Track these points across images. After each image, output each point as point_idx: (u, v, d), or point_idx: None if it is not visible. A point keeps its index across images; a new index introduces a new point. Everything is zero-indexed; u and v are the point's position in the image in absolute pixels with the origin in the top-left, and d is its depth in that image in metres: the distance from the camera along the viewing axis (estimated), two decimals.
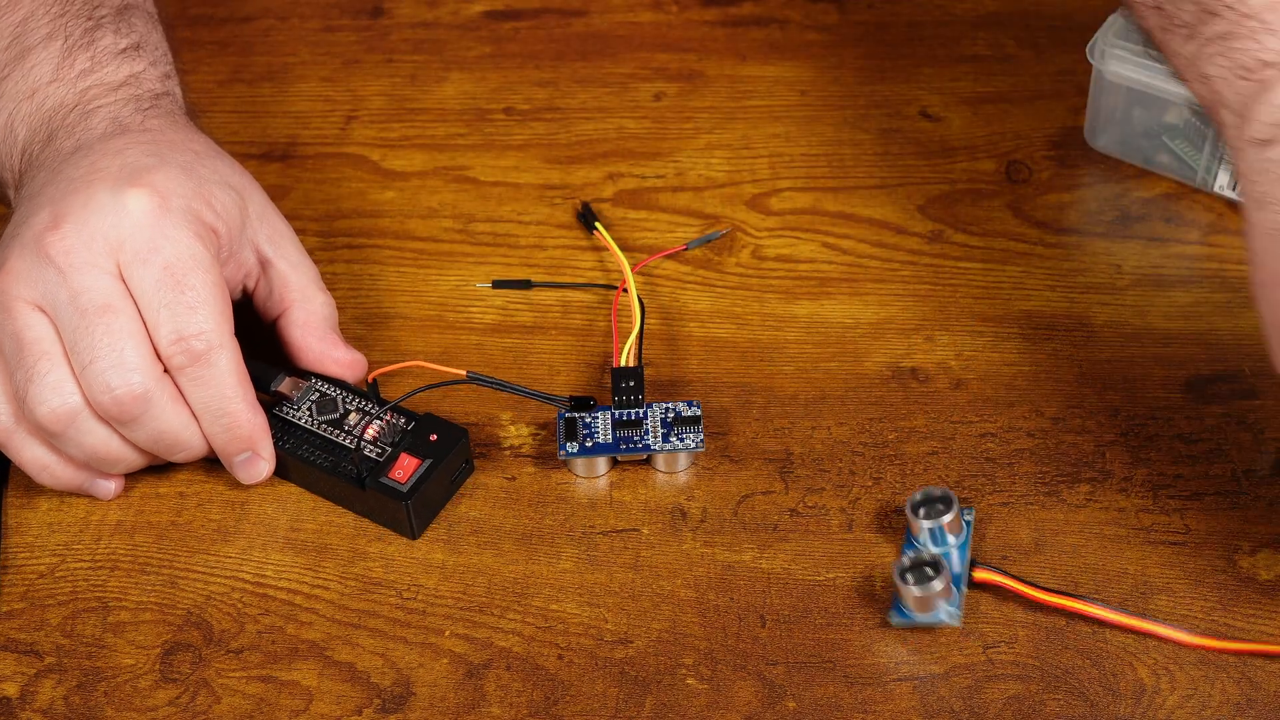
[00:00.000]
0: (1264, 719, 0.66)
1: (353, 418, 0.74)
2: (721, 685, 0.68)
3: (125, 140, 0.73)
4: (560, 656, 0.69)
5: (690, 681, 0.68)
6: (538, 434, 0.77)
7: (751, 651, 0.69)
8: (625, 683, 0.68)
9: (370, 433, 0.74)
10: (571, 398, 0.76)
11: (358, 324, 0.82)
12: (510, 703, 0.68)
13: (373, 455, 0.73)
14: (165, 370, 0.70)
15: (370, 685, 0.69)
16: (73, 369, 0.70)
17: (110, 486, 0.75)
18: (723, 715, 0.67)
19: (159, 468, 0.76)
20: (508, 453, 0.76)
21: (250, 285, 0.76)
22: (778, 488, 0.75)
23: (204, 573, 0.73)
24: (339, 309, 0.78)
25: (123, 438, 0.72)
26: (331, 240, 0.86)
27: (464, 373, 0.76)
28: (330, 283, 0.82)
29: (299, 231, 0.78)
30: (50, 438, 0.71)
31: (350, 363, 0.77)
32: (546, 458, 0.76)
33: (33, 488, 0.76)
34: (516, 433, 0.77)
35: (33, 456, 0.73)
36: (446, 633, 0.70)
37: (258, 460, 0.74)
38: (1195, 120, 0.84)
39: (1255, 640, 0.68)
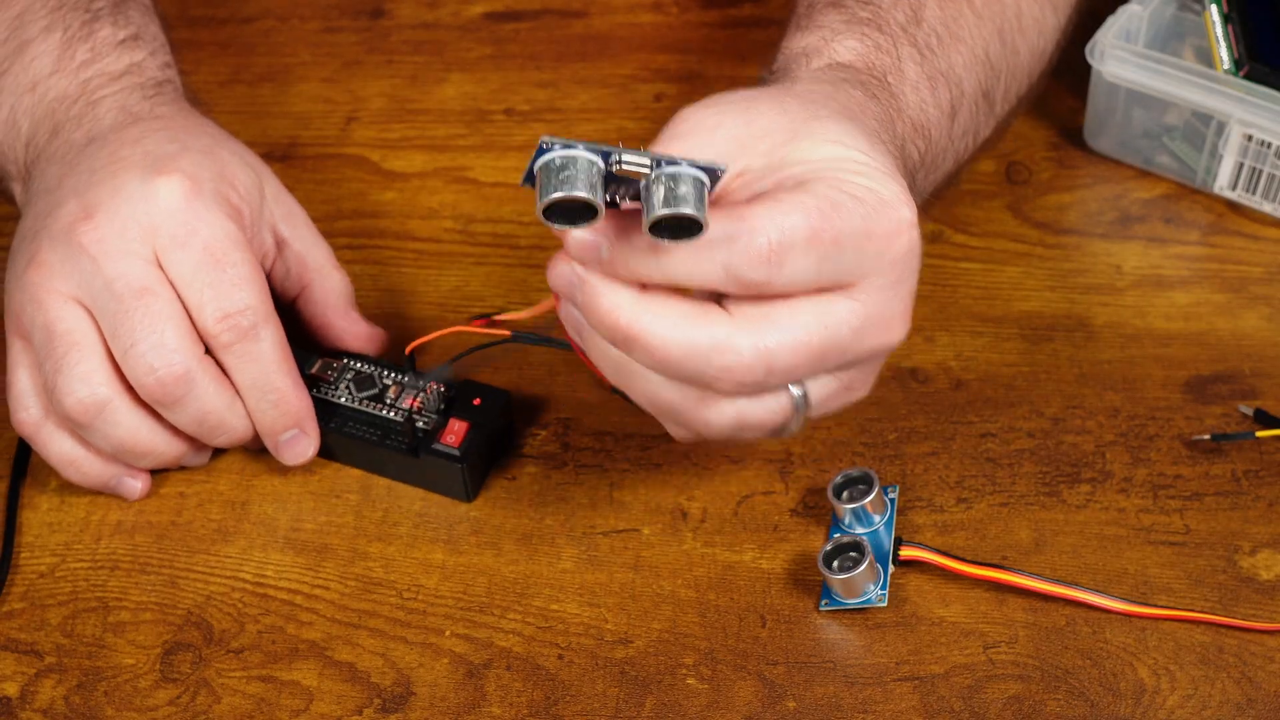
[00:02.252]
0: (1264, 719, 0.66)
1: (393, 391, 0.75)
2: (721, 685, 0.68)
3: (141, 129, 0.73)
4: (560, 656, 0.69)
5: (690, 681, 0.68)
6: (538, 434, 0.77)
7: (751, 651, 0.69)
8: (625, 683, 0.68)
9: (413, 404, 0.74)
10: None
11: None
12: (510, 703, 0.68)
13: (420, 424, 0.74)
14: (206, 351, 0.71)
15: (370, 685, 0.69)
16: (109, 358, 0.70)
17: (137, 485, 0.74)
18: (723, 715, 0.67)
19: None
20: (508, 452, 0.76)
21: (268, 266, 0.76)
22: (778, 488, 0.75)
23: (204, 573, 0.73)
24: None
25: (155, 426, 0.72)
26: (332, 240, 0.85)
27: (509, 332, 0.76)
28: None
29: None
30: (79, 430, 0.71)
31: (371, 336, 0.77)
32: (548, 457, 0.76)
33: (33, 487, 0.76)
34: (518, 432, 0.77)
35: (59, 451, 0.73)
36: (447, 633, 0.70)
37: (303, 438, 0.73)
38: (1195, 121, 0.84)
39: (1183, 609, 0.69)
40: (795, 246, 0.60)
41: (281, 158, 0.90)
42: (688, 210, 0.57)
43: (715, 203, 0.61)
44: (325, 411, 0.75)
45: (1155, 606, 0.69)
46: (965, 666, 0.68)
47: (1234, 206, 0.85)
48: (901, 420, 0.77)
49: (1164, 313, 0.81)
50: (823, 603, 0.70)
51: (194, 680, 0.69)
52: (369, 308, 0.82)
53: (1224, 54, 0.83)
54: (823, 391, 0.65)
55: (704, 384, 0.62)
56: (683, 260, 0.60)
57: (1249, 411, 0.76)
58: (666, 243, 0.59)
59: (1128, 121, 0.86)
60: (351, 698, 0.68)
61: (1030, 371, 0.79)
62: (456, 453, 0.73)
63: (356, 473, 0.76)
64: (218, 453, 0.76)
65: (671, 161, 0.58)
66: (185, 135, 0.74)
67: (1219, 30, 0.83)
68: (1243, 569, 0.71)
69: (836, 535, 0.71)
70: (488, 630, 0.70)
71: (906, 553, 0.70)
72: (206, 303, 0.70)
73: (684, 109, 0.65)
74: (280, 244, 0.76)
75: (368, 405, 0.75)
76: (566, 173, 0.57)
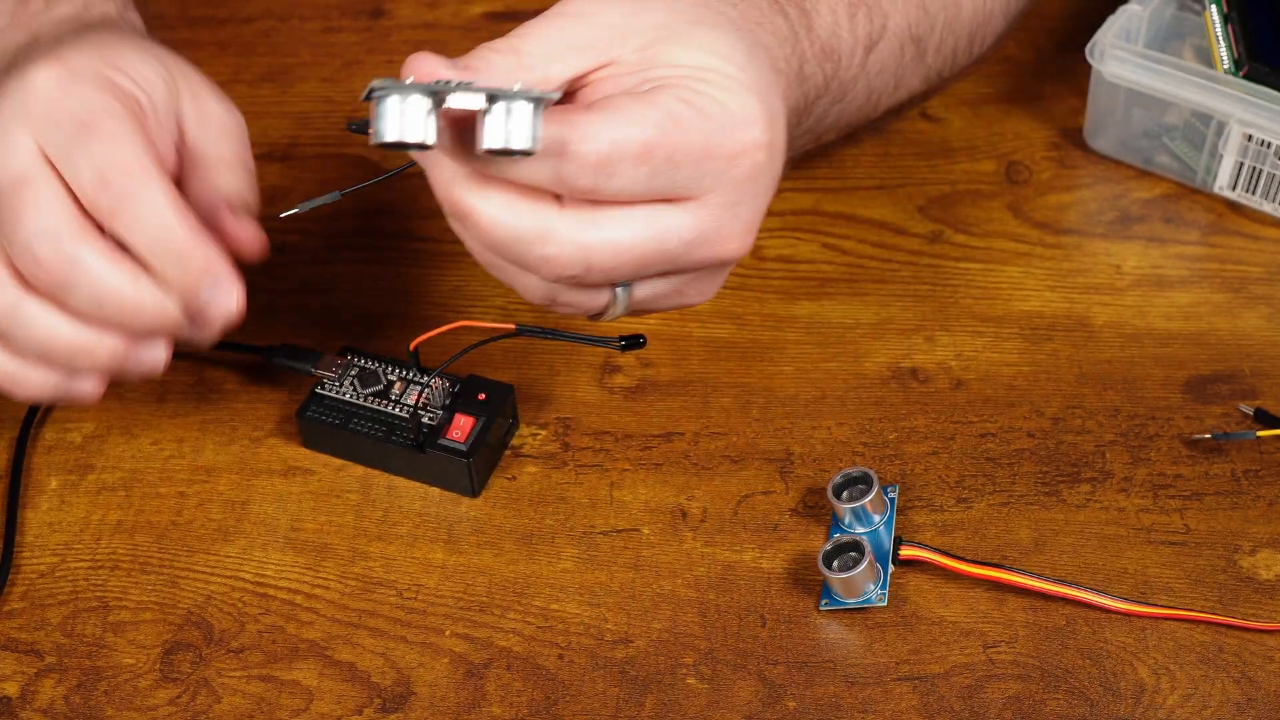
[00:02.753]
0: (1264, 719, 0.66)
1: (397, 387, 0.75)
2: (721, 685, 0.68)
3: (50, 44, 0.70)
4: (560, 656, 0.69)
5: (690, 681, 0.68)
6: (538, 434, 0.77)
7: (751, 651, 0.69)
8: (625, 683, 0.68)
9: (419, 399, 0.75)
10: (622, 338, 0.76)
11: (359, 323, 0.82)
12: (510, 703, 0.68)
13: (426, 420, 0.74)
14: (103, 234, 0.66)
15: (370, 685, 0.69)
16: (8, 259, 0.66)
17: (87, 388, 0.69)
18: (723, 715, 0.67)
19: (158, 468, 0.76)
20: (508, 452, 0.76)
21: (171, 164, 0.70)
22: (778, 488, 0.75)
23: (204, 572, 0.73)
24: (339, 309, 0.78)
25: (74, 322, 0.67)
26: (332, 241, 0.86)
27: (513, 325, 0.76)
28: (331, 283, 0.82)
29: (301, 231, 0.78)
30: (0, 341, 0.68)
31: (241, 239, 0.69)
32: (548, 457, 0.76)
33: (33, 487, 0.76)
34: (518, 432, 0.77)
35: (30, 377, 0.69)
36: (447, 632, 0.70)
37: (221, 286, 0.67)
38: (1195, 121, 0.84)
39: (1183, 609, 0.69)
40: (626, 159, 0.61)
41: (282, 158, 0.90)
42: (512, 144, 0.58)
43: (564, 100, 0.63)
44: (329, 408, 0.75)
45: (1155, 606, 0.69)
46: (965, 666, 0.68)
47: (1234, 206, 0.85)
48: (901, 420, 0.77)
49: (1164, 313, 0.81)
50: (823, 602, 0.70)
51: (194, 680, 0.69)
52: (370, 307, 0.82)
53: (1224, 54, 0.83)
54: (649, 289, 0.66)
55: (524, 266, 0.63)
56: (515, 162, 0.61)
57: (1249, 411, 0.76)
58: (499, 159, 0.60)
59: (1128, 121, 0.86)
60: (351, 697, 0.68)
61: (1030, 371, 0.79)
62: (463, 448, 0.73)
63: (357, 472, 0.76)
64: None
65: (506, 94, 0.58)
66: (84, 35, 0.70)
67: (1219, 30, 0.83)
68: (1243, 569, 0.71)
69: (836, 535, 0.71)
70: (488, 630, 0.70)
71: (906, 552, 0.71)
72: (82, 171, 0.65)
73: None
74: (181, 135, 0.70)
75: (372, 401, 0.75)
76: (394, 114, 0.58)
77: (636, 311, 0.67)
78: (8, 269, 0.67)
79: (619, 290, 0.65)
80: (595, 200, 0.62)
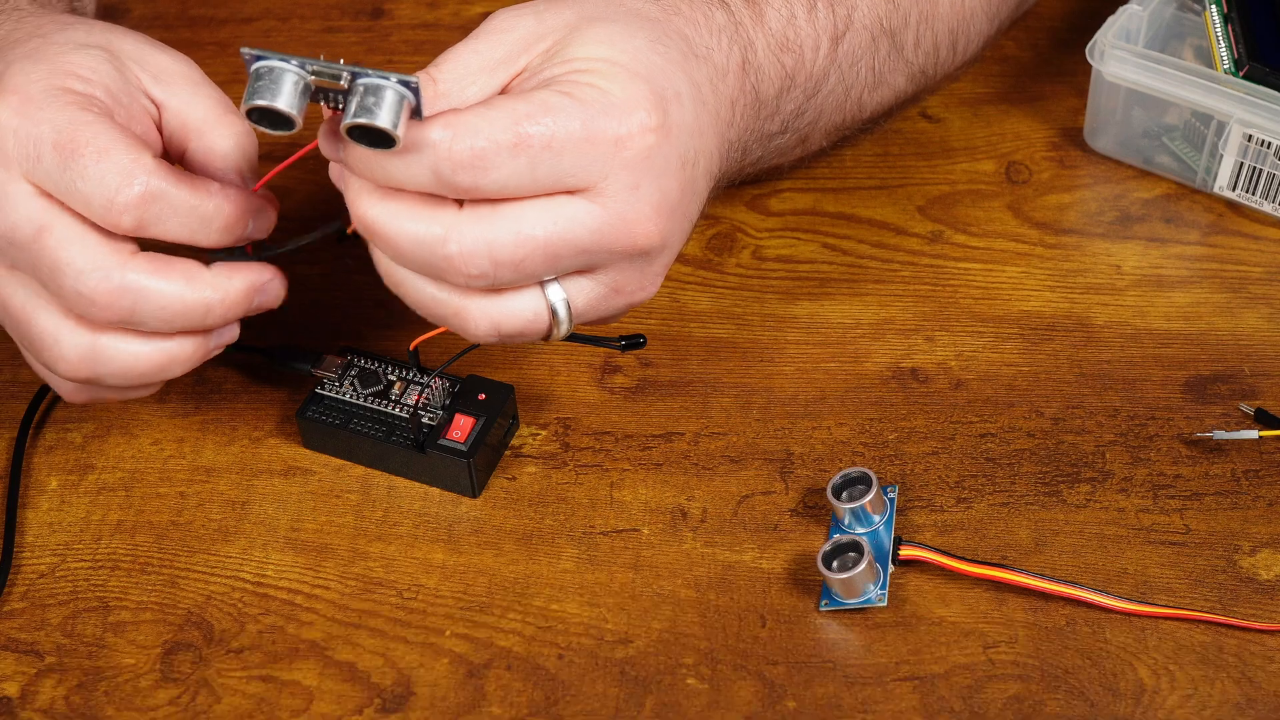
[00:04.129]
0: (1264, 719, 0.66)
1: (397, 388, 0.76)
2: (721, 685, 0.68)
3: None
4: (560, 656, 0.69)
5: (690, 681, 0.68)
6: (538, 434, 0.77)
7: (751, 651, 0.69)
8: (625, 683, 0.69)
9: (419, 399, 0.75)
10: (622, 338, 0.76)
11: (359, 323, 0.82)
12: (510, 703, 0.68)
13: (426, 420, 0.74)
14: (138, 246, 0.67)
15: (370, 685, 0.69)
16: (61, 307, 0.67)
17: (229, 334, 0.71)
18: (723, 715, 0.67)
19: (158, 468, 0.76)
20: (508, 453, 0.76)
21: (154, 137, 0.71)
22: (778, 488, 0.75)
23: (204, 573, 0.73)
24: (338, 311, 0.78)
25: (152, 341, 0.68)
26: (332, 240, 0.85)
27: None
28: (332, 284, 0.82)
29: (300, 231, 0.78)
30: (92, 385, 0.70)
31: (250, 210, 0.70)
32: (548, 457, 0.76)
33: (33, 487, 0.76)
34: (518, 432, 0.77)
35: (115, 394, 0.71)
36: (447, 633, 0.70)
37: (264, 213, 0.69)
38: (1195, 121, 0.84)
39: (1182, 609, 0.69)
40: (500, 152, 0.62)
41: (282, 157, 0.90)
42: (369, 120, 0.60)
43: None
44: (329, 408, 0.75)
45: (1155, 606, 0.69)
46: (965, 666, 0.68)
47: (1234, 206, 0.85)
48: (901, 420, 0.77)
49: (1164, 313, 0.81)
50: (823, 603, 0.70)
51: (194, 680, 0.69)
52: (370, 307, 0.82)
53: (1224, 54, 0.83)
54: (585, 295, 0.66)
55: (437, 275, 0.64)
56: (398, 165, 0.63)
57: (1250, 411, 0.76)
58: (368, 149, 0.62)
59: (1128, 121, 0.86)
60: (351, 698, 0.68)
61: (1030, 371, 0.79)
62: (463, 448, 0.73)
63: (357, 472, 0.76)
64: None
65: (368, 74, 0.61)
66: (10, 49, 0.69)
67: (1219, 30, 0.83)
68: (1243, 569, 0.71)
69: (836, 535, 0.71)
70: (488, 630, 0.70)
71: (906, 552, 0.71)
72: (89, 199, 0.65)
73: (497, 10, 0.67)
74: (158, 107, 0.70)
75: (373, 401, 0.75)
76: (262, 82, 0.61)
77: (590, 322, 0.68)
78: (70, 317, 0.68)
79: (556, 303, 0.65)
80: (490, 199, 0.63)
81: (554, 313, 0.66)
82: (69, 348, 0.68)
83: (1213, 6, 0.83)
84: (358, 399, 0.75)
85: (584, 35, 0.65)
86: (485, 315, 0.65)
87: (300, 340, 0.78)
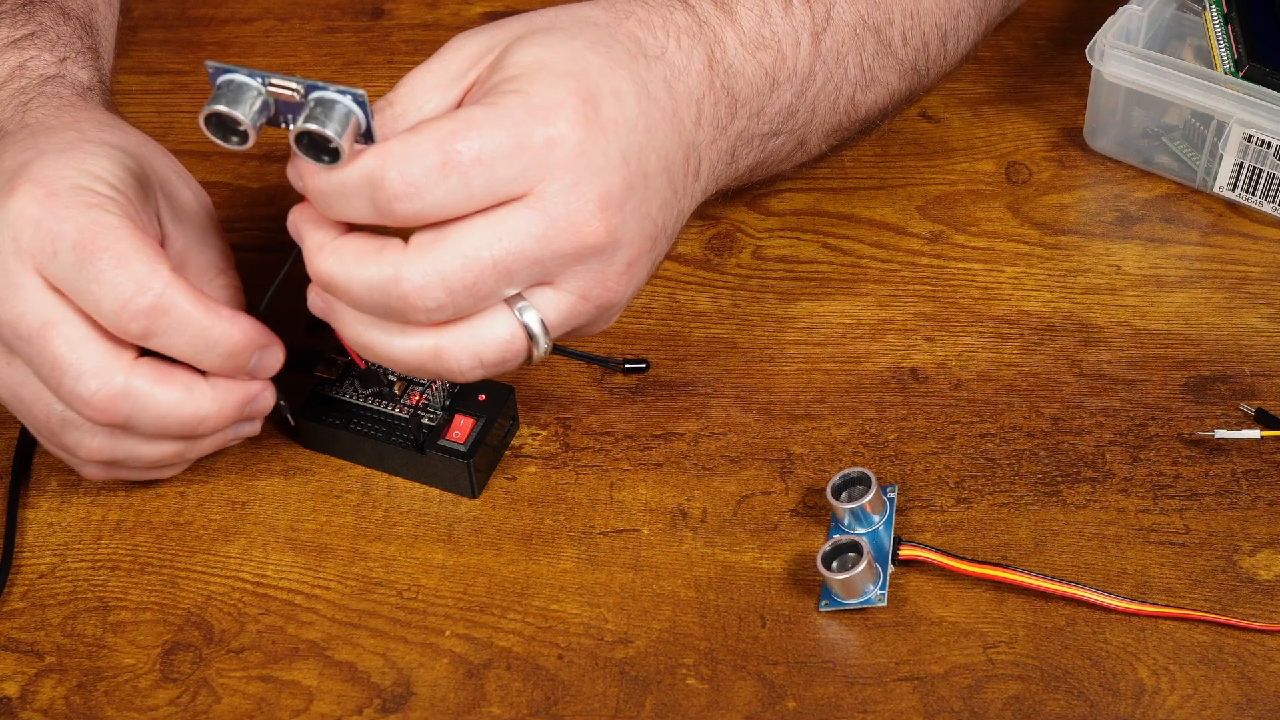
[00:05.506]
0: (1264, 719, 0.66)
1: (397, 388, 0.75)
2: (721, 685, 0.68)
3: (2, 145, 0.70)
4: (560, 656, 0.69)
5: (690, 681, 0.68)
6: (538, 434, 0.77)
7: (751, 651, 0.69)
8: (625, 683, 0.69)
9: (418, 400, 0.75)
10: (626, 360, 0.77)
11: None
12: (510, 703, 0.68)
13: (426, 420, 0.74)
14: (139, 355, 0.68)
15: (370, 685, 0.69)
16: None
17: (249, 426, 0.74)
18: (723, 715, 0.67)
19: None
20: (508, 453, 0.76)
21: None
22: (778, 488, 0.75)
23: (204, 573, 0.73)
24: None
25: (145, 441, 0.71)
26: None
27: None
28: None
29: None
30: (116, 469, 0.72)
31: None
32: (548, 458, 0.76)
33: (33, 487, 0.76)
34: (518, 432, 0.77)
35: (136, 475, 0.73)
36: (447, 633, 0.70)
37: (267, 353, 0.70)
38: (1195, 121, 0.84)
39: (1182, 608, 0.69)
40: (430, 175, 0.62)
41: (282, 158, 0.90)
42: (315, 127, 0.62)
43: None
44: (329, 409, 0.75)
45: (1155, 605, 0.69)
46: (965, 666, 0.68)
47: (1234, 206, 0.85)
48: (901, 420, 0.77)
49: (1164, 313, 0.81)
50: (822, 603, 0.70)
51: (194, 680, 0.69)
52: None
53: (1224, 54, 0.83)
54: (555, 307, 0.66)
55: (400, 317, 0.64)
56: (341, 201, 0.63)
57: (1250, 410, 0.76)
58: (316, 167, 0.63)
59: (1128, 121, 0.86)
60: (351, 698, 0.68)
61: (1030, 371, 0.79)
62: (463, 449, 0.73)
63: (357, 472, 0.76)
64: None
65: (321, 88, 0.63)
66: (45, 138, 0.70)
67: (1219, 30, 0.83)
68: (1243, 569, 0.71)
69: (835, 536, 0.71)
70: (488, 630, 0.70)
71: (906, 552, 0.71)
72: (100, 301, 0.66)
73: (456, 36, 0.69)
74: (164, 238, 0.71)
75: (372, 402, 0.75)
76: (222, 91, 0.63)
77: (573, 333, 0.68)
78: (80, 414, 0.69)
79: (528, 321, 0.65)
80: (436, 223, 0.63)
81: (529, 330, 0.65)
82: (91, 441, 0.70)
83: (1213, 6, 0.83)
84: (358, 399, 0.75)
85: (524, 42, 0.66)
86: (464, 349, 0.65)
87: (300, 341, 0.78)
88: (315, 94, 0.63)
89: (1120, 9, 0.85)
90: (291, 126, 0.63)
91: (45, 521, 0.75)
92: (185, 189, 0.73)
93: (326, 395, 0.76)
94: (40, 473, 0.76)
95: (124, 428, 0.69)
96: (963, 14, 0.81)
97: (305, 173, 0.64)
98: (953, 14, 0.81)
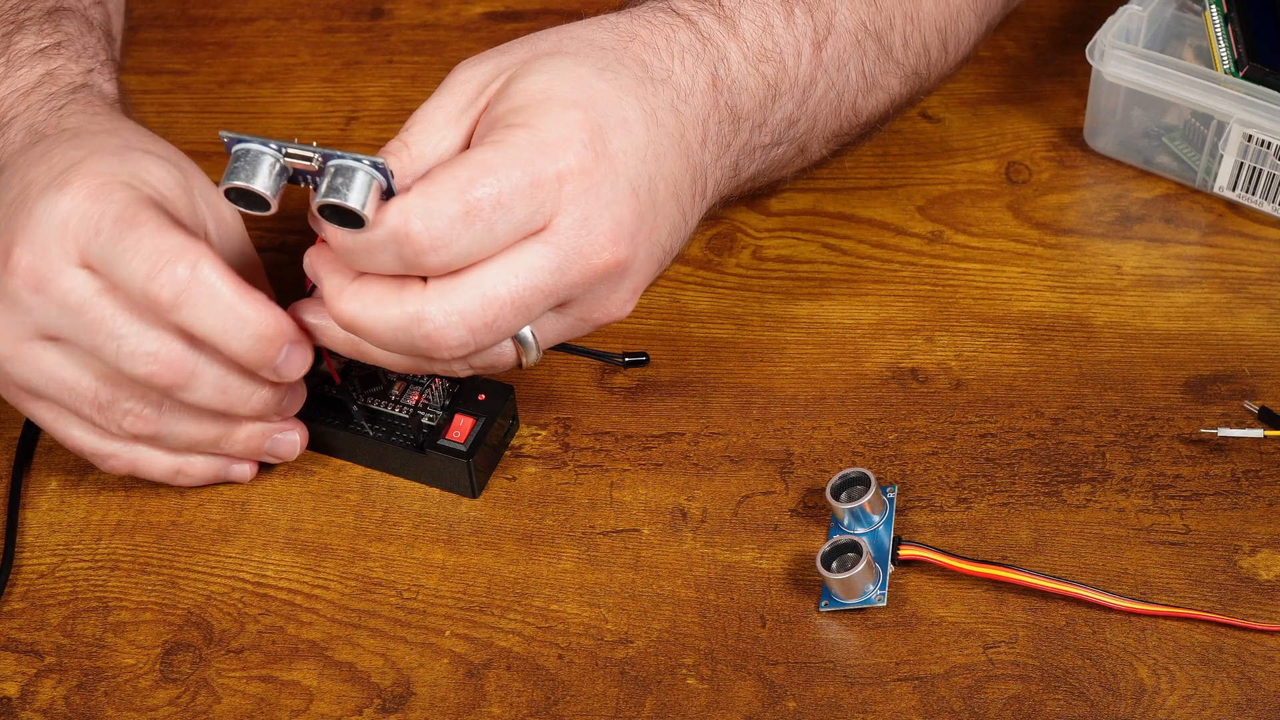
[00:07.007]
0: (1264, 719, 0.66)
1: (397, 388, 0.75)
2: (721, 685, 0.68)
3: (46, 145, 0.70)
4: (560, 656, 0.69)
5: (690, 681, 0.68)
6: (538, 434, 0.77)
7: (751, 651, 0.69)
8: (625, 683, 0.69)
9: (419, 400, 0.75)
10: (625, 354, 0.77)
11: None
12: (510, 703, 0.68)
13: (426, 420, 0.74)
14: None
15: (370, 685, 0.69)
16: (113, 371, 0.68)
17: (245, 469, 0.75)
18: (723, 715, 0.67)
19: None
20: (508, 453, 0.76)
21: None
22: (778, 488, 0.75)
23: (204, 573, 0.73)
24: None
25: (196, 418, 0.71)
26: None
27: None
28: None
29: (301, 231, 0.78)
30: (150, 444, 0.72)
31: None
32: (548, 458, 0.76)
33: (33, 487, 0.76)
34: (518, 432, 0.77)
35: (161, 470, 0.73)
36: (447, 633, 0.70)
37: (296, 349, 0.69)
38: (1195, 121, 0.84)
39: (1182, 608, 0.69)
40: (455, 225, 0.63)
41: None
42: (339, 200, 0.62)
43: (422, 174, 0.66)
44: (329, 409, 0.75)
45: (1155, 605, 0.69)
46: (965, 666, 0.68)
47: (1234, 206, 0.85)
48: (901, 420, 0.77)
49: (1164, 313, 0.81)
50: (822, 604, 0.70)
51: (194, 680, 0.69)
52: None
53: (1224, 54, 0.83)
54: (554, 327, 0.68)
55: (424, 355, 0.66)
56: (368, 257, 0.64)
57: (1254, 408, 0.76)
58: (341, 231, 0.64)
59: (1128, 121, 0.86)
60: (351, 698, 0.69)
61: (1030, 371, 0.79)
62: (463, 448, 0.73)
63: (357, 472, 0.76)
64: None
65: (339, 156, 0.63)
66: (91, 140, 0.70)
67: (1219, 30, 0.83)
68: (1243, 569, 0.71)
69: (835, 536, 0.71)
70: (488, 630, 0.70)
71: (906, 552, 0.71)
72: (135, 271, 0.65)
73: (461, 62, 0.69)
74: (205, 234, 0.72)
75: (373, 402, 0.75)
76: (239, 163, 0.64)
77: (562, 341, 0.70)
78: (128, 388, 0.69)
79: (522, 334, 0.67)
80: (462, 269, 0.64)
81: (519, 338, 0.67)
82: (138, 419, 0.70)
83: (1213, 6, 0.83)
84: (358, 399, 0.75)
85: (531, 68, 0.66)
86: (460, 366, 0.68)
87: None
88: (334, 162, 0.63)
89: (1120, 9, 0.85)
90: (314, 194, 0.63)
91: (45, 521, 0.75)
92: (223, 204, 0.72)
93: (325, 394, 0.76)
94: (40, 473, 0.76)
95: (184, 387, 0.68)
96: (963, 17, 0.81)
97: (330, 233, 0.64)
98: (953, 17, 0.81)
